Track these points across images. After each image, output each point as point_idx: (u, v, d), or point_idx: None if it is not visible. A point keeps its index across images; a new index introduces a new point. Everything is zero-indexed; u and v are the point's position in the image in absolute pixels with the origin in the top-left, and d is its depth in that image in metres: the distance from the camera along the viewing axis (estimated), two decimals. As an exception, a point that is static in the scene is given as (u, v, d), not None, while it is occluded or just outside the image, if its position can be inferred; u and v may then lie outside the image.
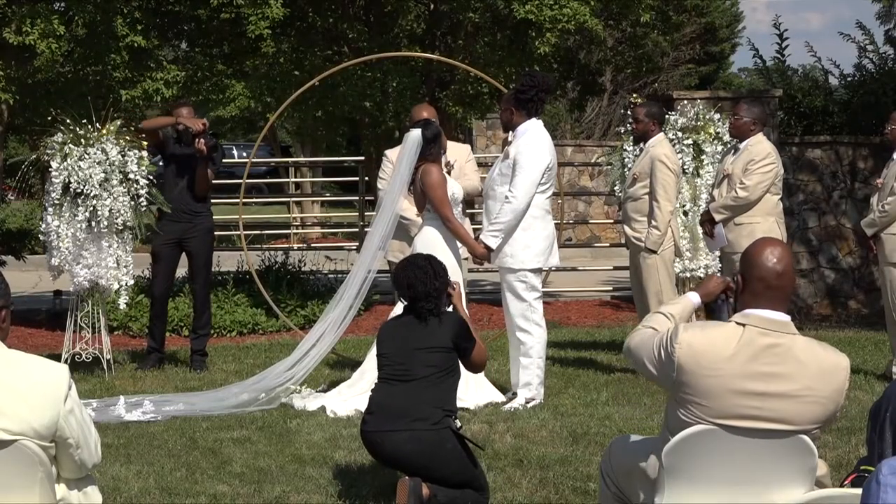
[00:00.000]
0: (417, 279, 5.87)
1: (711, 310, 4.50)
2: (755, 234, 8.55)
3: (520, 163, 8.01)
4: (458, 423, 5.80)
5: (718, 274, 4.07)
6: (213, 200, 9.98)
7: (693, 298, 4.51)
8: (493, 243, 8.04)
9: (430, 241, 7.92)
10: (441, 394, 5.72)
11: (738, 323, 4.05)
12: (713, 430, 4.00)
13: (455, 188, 8.17)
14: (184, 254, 9.72)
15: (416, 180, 7.98)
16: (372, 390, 5.94)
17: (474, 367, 6.18)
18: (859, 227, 9.47)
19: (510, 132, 8.27)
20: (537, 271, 8.24)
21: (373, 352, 7.90)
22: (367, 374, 7.97)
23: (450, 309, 6.07)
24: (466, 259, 8.43)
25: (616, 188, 10.46)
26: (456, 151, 9.16)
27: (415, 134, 7.99)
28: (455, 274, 7.93)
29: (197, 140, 9.37)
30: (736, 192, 8.96)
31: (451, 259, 7.70)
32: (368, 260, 8.31)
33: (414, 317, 5.90)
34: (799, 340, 4.04)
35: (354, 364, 8.75)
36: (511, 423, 7.55)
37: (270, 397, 8.18)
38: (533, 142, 8.07)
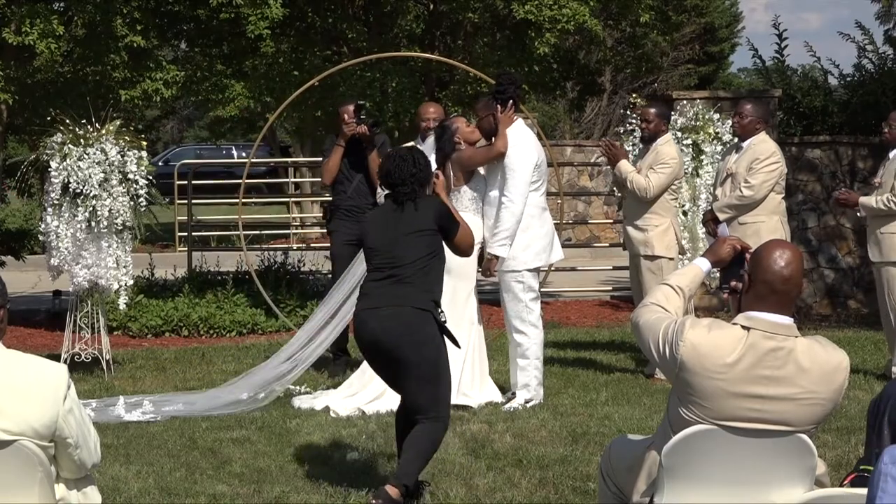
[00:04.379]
0: (396, 166, 5.96)
1: (728, 273, 4.28)
2: (760, 232, 8.56)
3: (509, 166, 7.98)
4: (444, 317, 5.88)
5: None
6: (212, 200, 9.92)
7: (703, 266, 4.38)
8: (504, 253, 8.00)
9: None
10: (428, 283, 5.85)
11: (742, 326, 4.02)
12: (713, 430, 3.99)
13: (478, 183, 8.18)
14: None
15: (445, 170, 8.05)
16: (364, 280, 6.11)
17: (459, 250, 6.23)
18: (859, 226, 9.45)
19: (493, 139, 8.17)
20: (537, 271, 8.24)
21: None
22: None
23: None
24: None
25: (616, 188, 10.45)
26: None
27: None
28: (471, 268, 7.96)
29: (359, 127, 9.20)
30: (741, 191, 8.95)
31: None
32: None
33: (393, 202, 5.99)
34: (800, 343, 4.01)
35: (354, 364, 8.74)
36: (511, 423, 7.54)
37: (268, 394, 8.17)
38: (518, 142, 8.03)
